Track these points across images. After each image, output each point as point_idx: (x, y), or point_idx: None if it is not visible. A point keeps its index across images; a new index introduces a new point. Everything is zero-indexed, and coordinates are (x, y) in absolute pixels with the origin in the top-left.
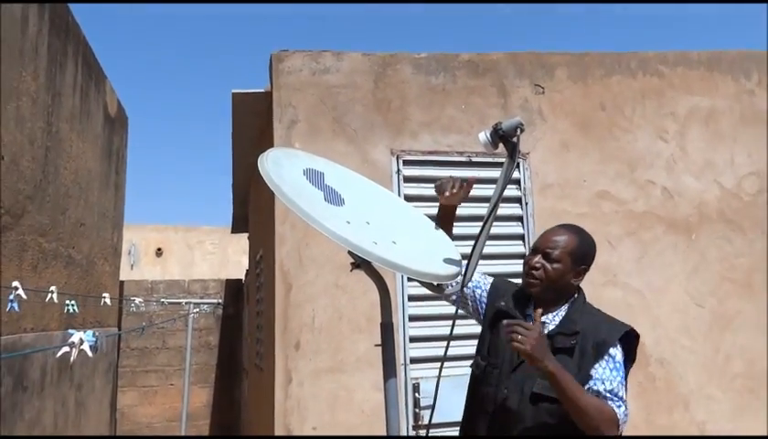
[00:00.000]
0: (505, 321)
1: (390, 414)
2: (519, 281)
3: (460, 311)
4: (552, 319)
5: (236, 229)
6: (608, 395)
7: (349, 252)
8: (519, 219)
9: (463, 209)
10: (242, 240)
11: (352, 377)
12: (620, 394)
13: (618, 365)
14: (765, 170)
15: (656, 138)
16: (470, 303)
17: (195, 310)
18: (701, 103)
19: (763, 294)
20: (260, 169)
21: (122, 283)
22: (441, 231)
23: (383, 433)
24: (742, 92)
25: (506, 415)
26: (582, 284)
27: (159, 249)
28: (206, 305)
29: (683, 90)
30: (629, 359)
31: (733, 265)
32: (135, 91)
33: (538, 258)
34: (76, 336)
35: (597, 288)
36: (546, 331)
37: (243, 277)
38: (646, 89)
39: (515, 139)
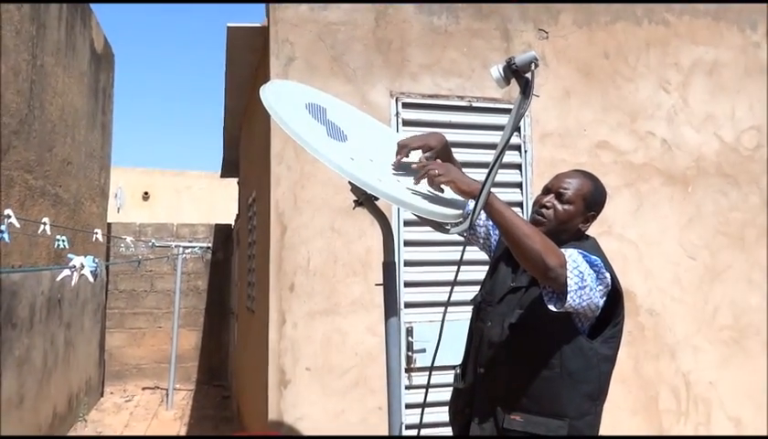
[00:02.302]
0: (413, 165)
1: (391, 352)
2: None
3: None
4: None
5: (225, 173)
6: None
7: (352, 190)
8: (518, 167)
9: (467, 156)
10: (231, 185)
11: (346, 319)
12: (574, 261)
13: (593, 260)
14: (765, 125)
15: (659, 88)
16: (481, 238)
17: (187, 251)
18: (706, 54)
19: (755, 248)
20: (262, 100)
21: (109, 225)
22: None
23: (377, 373)
24: (748, 44)
25: (489, 347)
26: None
27: (146, 193)
28: (198, 248)
29: (688, 39)
30: (615, 305)
31: (727, 219)
32: (122, 28)
33: (550, 197)
34: (77, 260)
35: None
36: None
37: (233, 222)
38: (651, 37)
39: (528, 75)
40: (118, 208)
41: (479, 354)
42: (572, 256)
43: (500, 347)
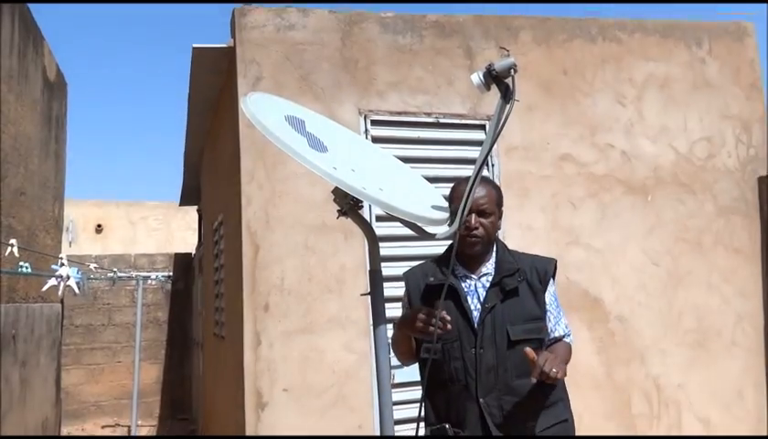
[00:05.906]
0: (532, 356)
1: (381, 359)
2: (428, 256)
3: None
4: (489, 268)
5: (185, 201)
6: (564, 332)
7: (335, 200)
8: None
9: (436, 171)
10: (188, 215)
11: (322, 337)
12: (568, 325)
13: (556, 299)
14: (714, 136)
15: (615, 103)
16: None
17: (152, 278)
18: (657, 70)
19: (711, 253)
20: (245, 112)
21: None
22: (422, 179)
23: (355, 391)
24: (695, 60)
25: (489, 371)
26: (546, 244)
27: (99, 225)
28: (161, 275)
29: (640, 56)
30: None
31: (686, 226)
32: (75, 58)
33: (473, 218)
34: (64, 269)
35: (561, 248)
36: (490, 280)
37: (193, 251)
38: (606, 54)
39: (508, 80)
40: (70, 242)
41: (478, 385)
42: (569, 332)
43: (500, 368)
